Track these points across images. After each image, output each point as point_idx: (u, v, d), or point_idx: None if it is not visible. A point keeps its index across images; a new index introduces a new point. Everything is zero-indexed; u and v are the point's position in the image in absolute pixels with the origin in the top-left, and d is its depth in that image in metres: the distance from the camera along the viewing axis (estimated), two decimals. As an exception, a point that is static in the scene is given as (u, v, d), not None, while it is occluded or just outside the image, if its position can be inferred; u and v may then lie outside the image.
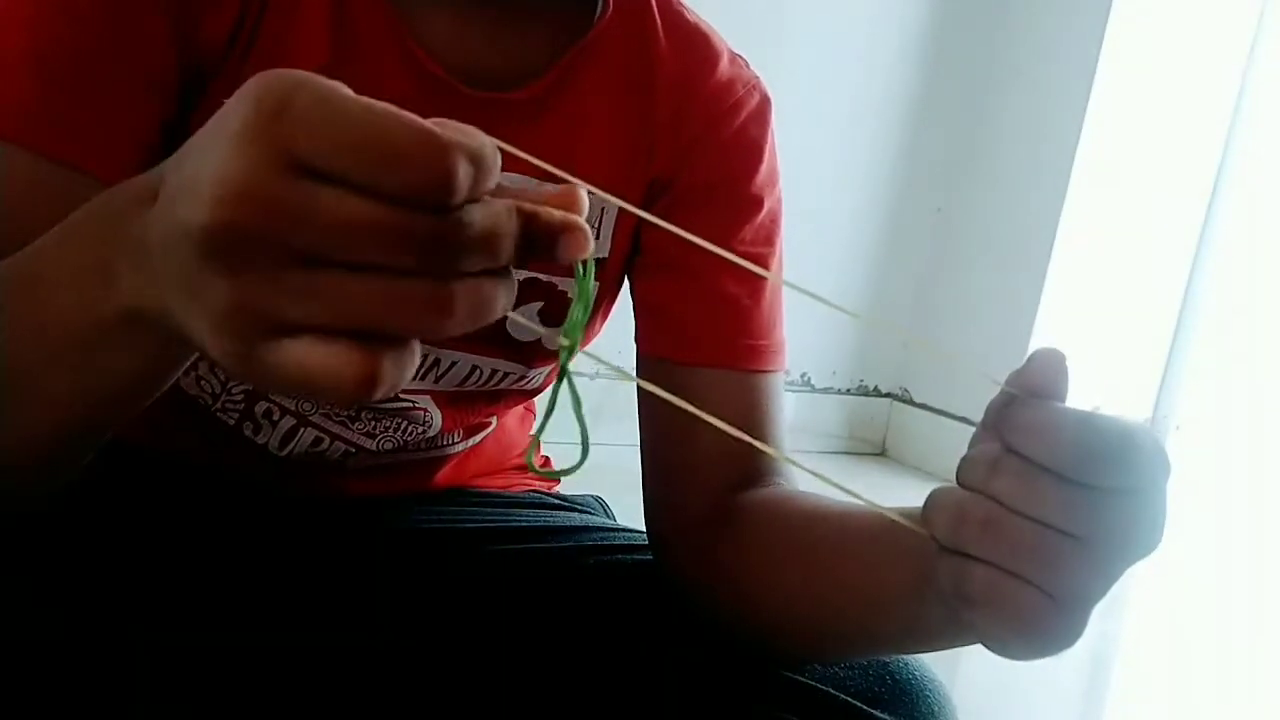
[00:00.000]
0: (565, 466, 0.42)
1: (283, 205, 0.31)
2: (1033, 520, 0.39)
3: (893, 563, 0.53)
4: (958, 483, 0.43)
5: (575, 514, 0.81)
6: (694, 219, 0.66)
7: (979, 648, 0.44)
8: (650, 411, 0.69)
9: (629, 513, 0.78)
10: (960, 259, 2.56)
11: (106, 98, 0.55)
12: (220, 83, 0.59)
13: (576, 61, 0.66)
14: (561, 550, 0.72)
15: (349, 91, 0.32)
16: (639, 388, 0.69)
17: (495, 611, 0.67)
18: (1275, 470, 2.30)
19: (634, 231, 0.69)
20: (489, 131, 0.34)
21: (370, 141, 0.31)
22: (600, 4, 0.68)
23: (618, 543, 0.73)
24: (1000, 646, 0.42)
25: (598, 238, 0.69)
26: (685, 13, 0.72)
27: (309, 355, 0.32)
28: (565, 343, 0.38)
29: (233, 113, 0.32)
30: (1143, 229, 2.41)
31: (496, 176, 0.33)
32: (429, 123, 0.32)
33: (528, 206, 0.34)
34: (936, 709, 0.61)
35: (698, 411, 0.40)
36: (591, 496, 0.86)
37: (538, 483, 0.87)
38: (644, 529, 0.70)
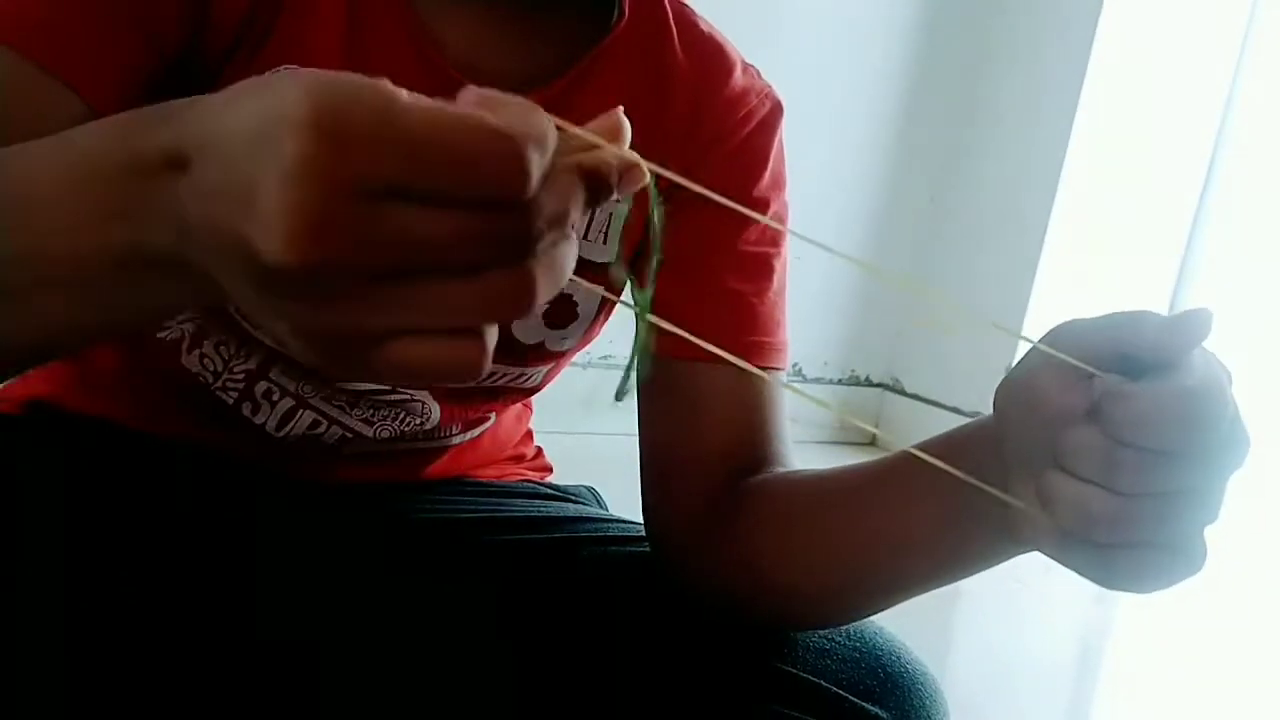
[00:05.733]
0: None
1: (362, 234, 0.30)
2: (1155, 496, 0.41)
3: (919, 500, 0.54)
4: (1066, 470, 0.42)
5: (569, 504, 0.82)
6: (700, 221, 0.67)
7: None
8: (652, 407, 0.69)
9: (621, 502, 0.78)
10: (952, 248, 2.57)
11: (108, 31, 0.56)
12: (231, 71, 0.60)
13: (591, 67, 0.67)
14: (555, 541, 0.72)
15: (404, 96, 0.30)
16: (638, 388, 0.69)
17: (489, 602, 0.67)
18: (1267, 464, 2.30)
19: (641, 234, 0.70)
20: None
21: (442, 155, 0.30)
22: (616, 11, 0.69)
23: (611, 534, 0.73)
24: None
25: (604, 242, 0.69)
26: (699, 22, 0.73)
27: (410, 354, 0.32)
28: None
29: (286, 132, 0.29)
30: (1135, 218, 2.42)
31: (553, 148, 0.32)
32: (479, 99, 0.31)
33: (587, 162, 0.34)
34: (928, 701, 0.61)
35: (702, 342, 0.40)
36: (585, 487, 0.86)
37: (531, 473, 0.87)
38: (637, 519, 0.71)
